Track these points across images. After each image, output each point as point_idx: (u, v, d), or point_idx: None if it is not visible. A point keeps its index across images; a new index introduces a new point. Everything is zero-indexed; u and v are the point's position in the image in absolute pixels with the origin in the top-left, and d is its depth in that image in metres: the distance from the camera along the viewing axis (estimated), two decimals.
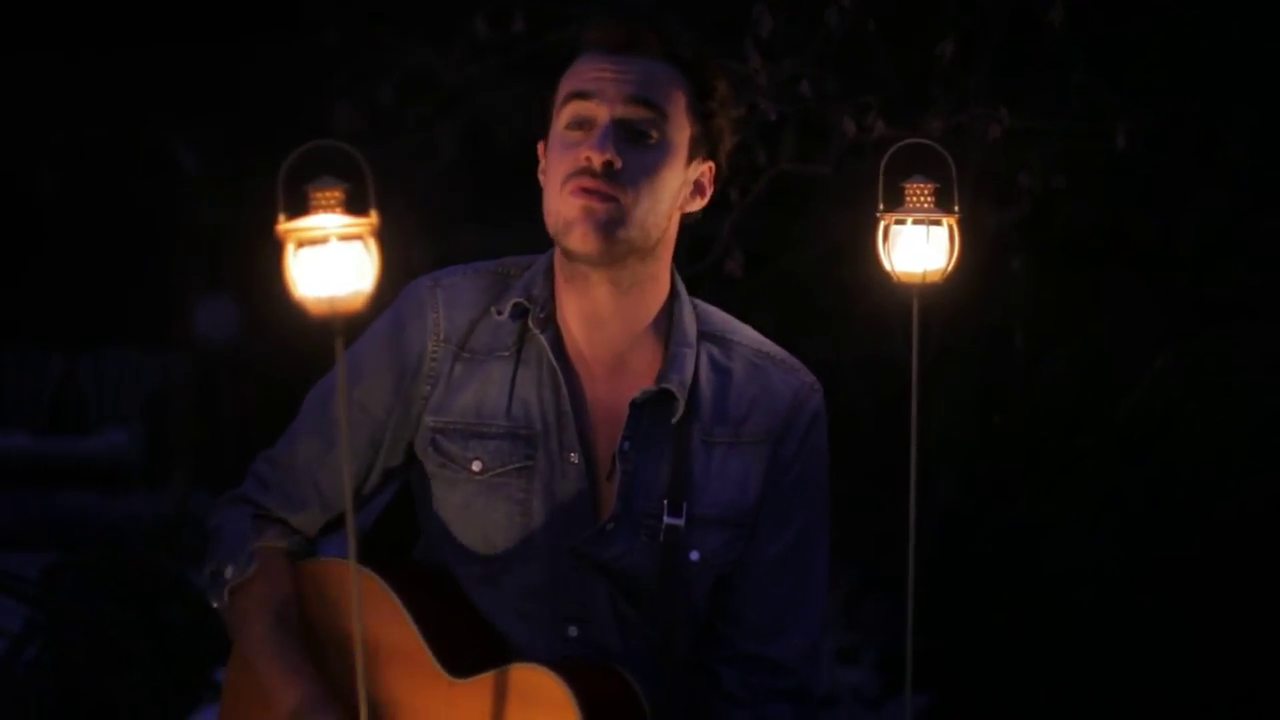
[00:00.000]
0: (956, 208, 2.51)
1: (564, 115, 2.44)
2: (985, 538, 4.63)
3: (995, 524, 4.62)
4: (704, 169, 2.50)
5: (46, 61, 8.51)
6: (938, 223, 2.51)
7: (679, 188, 2.47)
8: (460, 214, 5.58)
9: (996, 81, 4.08)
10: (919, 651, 4.82)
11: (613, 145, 2.38)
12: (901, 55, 4.18)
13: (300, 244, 2.04)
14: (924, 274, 2.51)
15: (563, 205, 2.42)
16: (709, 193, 2.52)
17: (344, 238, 2.04)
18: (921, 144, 2.55)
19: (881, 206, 2.51)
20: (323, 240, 2.04)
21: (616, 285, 2.48)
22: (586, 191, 2.39)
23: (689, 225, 2.55)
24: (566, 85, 2.45)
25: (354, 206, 2.05)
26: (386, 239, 2.05)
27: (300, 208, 2.04)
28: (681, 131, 2.44)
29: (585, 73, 2.43)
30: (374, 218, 2.04)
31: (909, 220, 2.51)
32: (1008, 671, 4.55)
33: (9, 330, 9.34)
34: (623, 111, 2.40)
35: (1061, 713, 4.39)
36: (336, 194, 2.03)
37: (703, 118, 2.46)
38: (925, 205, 2.50)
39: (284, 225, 2.02)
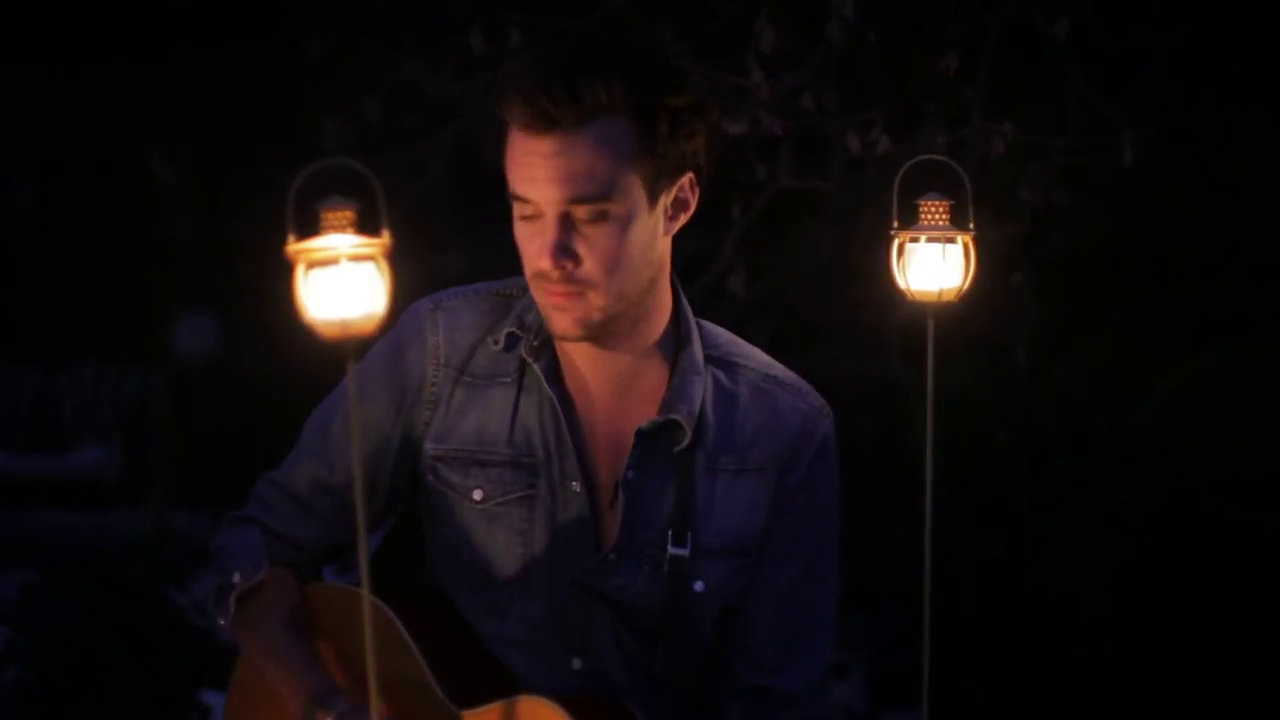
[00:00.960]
0: (972, 225, 2.47)
1: (513, 205, 2.34)
2: (986, 554, 4.62)
3: (997, 540, 4.61)
4: (679, 184, 2.38)
5: (21, 74, 8.47)
6: (953, 240, 2.47)
7: (651, 234, 2.36)
8: (448, 232, 5.55)
9: (998, 95, 4.06)
10: (912, 667, 4.78)
11: (564, 249, 2.30)
12: (903, 69, 4.16)
13: (311, 265, 1.99)
14: (939, 292, 2.47)
15: (537, 298, 2.36)
16: (694, 200, 2.40)
17: (355, 258, 2.00)
18: (934, 159, 2.51)
19: (896, 224, 2.46)
20: (334, 261, 1.99)
21: (614, 333, 2.41)
22: (553, 293, 2.32)
23: (688, 242, 2.49)
24: (508, 173, 2.34)
25: (364, 226, 2.01)
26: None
27: (309, 228, 2.00)
28: (634, 190, 2.32)
29: (516, 167, 2.32)
30: (386, 238, 2.00)
31: (923, 238, 2.47)
32: (1008, 688, 4.54)
33: None
34: (565, 209, 2.29)
35: None
36: (348, 214, 1.99)
37: (655, 156, 2.33)
38: (940, 223, 2.46)
39: (294, 246, 1.98)
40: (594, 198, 2.29)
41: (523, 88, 2.27)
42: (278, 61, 6.46)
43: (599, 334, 2.38)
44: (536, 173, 2.29)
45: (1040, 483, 4.57)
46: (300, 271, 1.99)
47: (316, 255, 1.99)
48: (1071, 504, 4.43)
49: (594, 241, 2.30)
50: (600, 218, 2.30)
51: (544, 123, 2.27)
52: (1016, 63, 4.17)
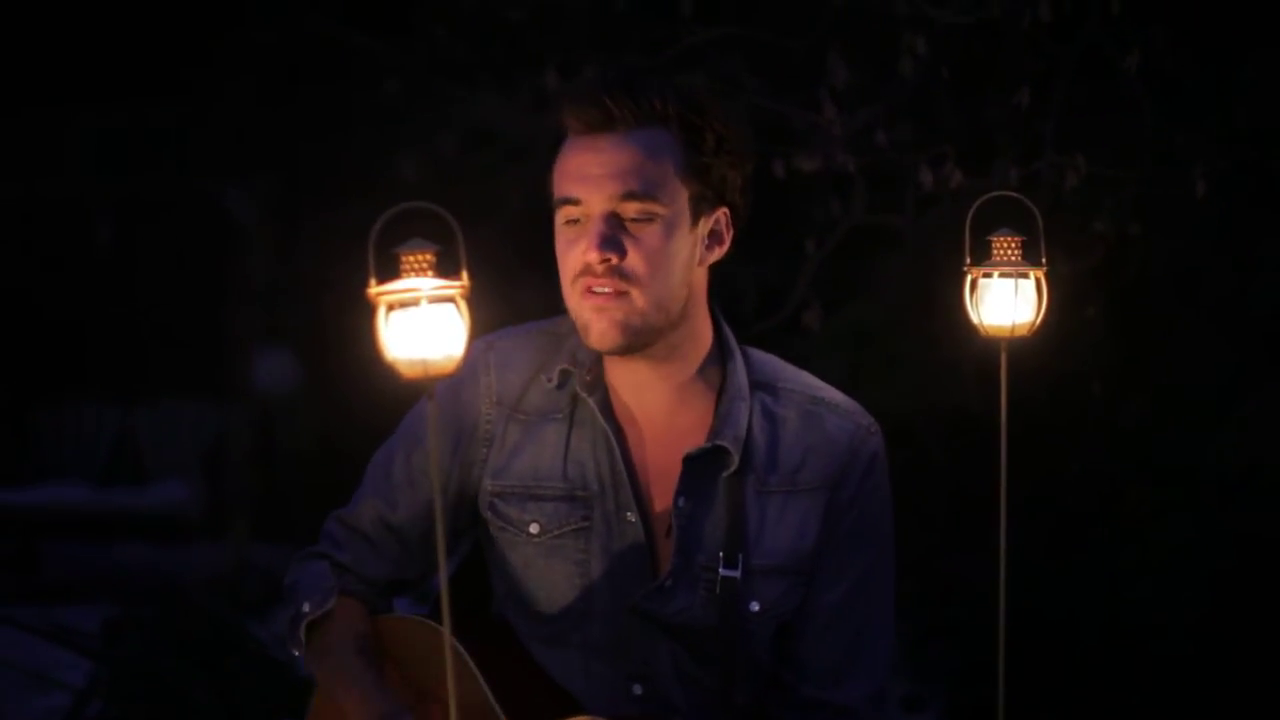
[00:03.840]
0: (1044, 260, 2.49)
1: (559, 213, 2.42)
2: (1063, 586, 4.60)
3: (1073, 572, 4.59)
4: (716, 217, 2.47)
5: (103, 113, 8.57)
6: (1025, 275, 2.49)
7: (690, 252, 2.44)
8: (525, 268, 5.58)
9: (1070, 127, 4.06)
10: (988, 700, 4.77)
11: (610, 242, 2.37)
12: (975, 103, 4.17)
13: (392, 308, 2.03)
14: (1013, 327, 2.49)
15: (576, 306, 2.42)
16: (729, 238, 2.50)
17: (436, 300, 2.03)
18: (1008, 195, 2.53)
19: (969, 260, 2.49)
20: (414, 304, 2.02)
21: (653, 358, 2.48)
22: (594, 292, 2.38)
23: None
24: (557, 182, 2.43)
25: (443, 267, 2.04)
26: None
27: (389, 269, 2.03)
28: (679, 197, 2.41)
29: (569, 169, 2.41)
30: (465, 280, 2.03)
31: (995, 273, 2.49)
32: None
33: (67, 382, 9.38)
34: (614, 205, 2.37)
35: None
36: (428, 257, 2.03)
37: (699, 173, 2.43)
38: (1013, 258, 2.48)
39: (375, 289, 2.01)
40: (642, 195, 2.37)
41: (587, 92, 2.39)
42: (356, 100, 6.51)
43: (636, 345, 2.43)
44: (590, 170, 2.37)
45: (1115, 515, 4.55)
46: (381, 314, 2.03)
47: (397, 298, 2.02)
48: (1147, 536, 4.42)
49: (639, 239, 2.38)
50: (646, 218, 2.37)
51: (603, 121, 2.37)
52: (1089, 95, 4.17)
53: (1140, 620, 4.33)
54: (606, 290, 2.38)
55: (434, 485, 2.14)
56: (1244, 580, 4.26)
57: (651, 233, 2.38)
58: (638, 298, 2.39)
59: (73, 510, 9.11)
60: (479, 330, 2.06)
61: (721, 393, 2.51)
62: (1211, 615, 4.24)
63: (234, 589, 6.70)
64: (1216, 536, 4.28)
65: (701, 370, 2.51)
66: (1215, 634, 4.26)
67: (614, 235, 2.37)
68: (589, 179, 2.37)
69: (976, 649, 4.84)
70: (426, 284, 2.02)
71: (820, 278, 4.03)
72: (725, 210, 2.47)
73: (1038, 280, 2.51)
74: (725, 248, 2.50)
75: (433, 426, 2.09)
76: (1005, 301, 2.49)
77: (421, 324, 2.03)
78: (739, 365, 2.53)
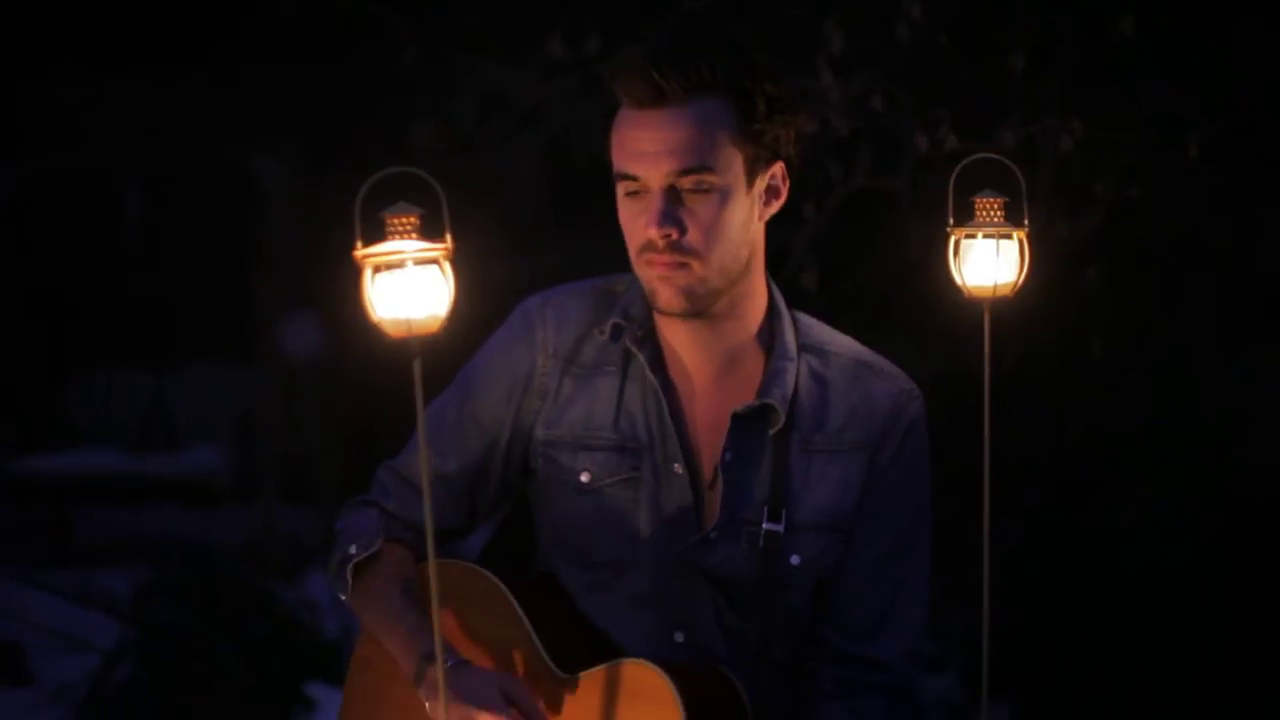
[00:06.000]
0: (1026, 221, 2.52)
1: (619, 186, 2.48)
2: (1065, 547, 4.62)
3: (1074, 533, 4.61)
4: (772, 173, 2.52)
5: (130, 83, 8.60)
6: (1008, 236, 2.52)
7: (748, 214, 2.49)
8: (540, 231, 5.62)
9: (1069, 91, 4.08)
10: (1003, 658, 4.80)
11: (669, 218, 2.42)
12: (973, 68, 4.18)
13: (377, 269, 2.08)
14: (994, 288, 2.53)
15: (642, 272, 2.49)
16: (785, 190, 2.55)
17: (420, 262, 2.08)
18: (992, 158, 2.56)
19: (951, 221, 2.53)
20: (399, 265, 2.08)
21: (714, 318, 2.53)
22: (658, 264, 2.44)
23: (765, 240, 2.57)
24: (615, 155, 2.48)
25: (430, 230, 2.09)
26: (466, 256, 2.08)
27: (377, 233, 2.08)
28: (734, 165, 2.45)
29: (625, 145, 2.46)
30: (449, 242, 2.08)
31: (979, 234, 2.53)
32: (1086, 678, 4.55)
33: (98, 348, 9.43)
34: (671, 180, 2.43)
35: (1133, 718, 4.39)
36: (412, 220, 2.08)
37: (754, 138, 2.47)
38: (995, 219, 2.52)
39: (361, 251, 2.07)
40: (697, 169, 2.41)
41: (636, 65, 2.42)
42: (378, 70, 6.54)
43: (702, 308, 2.48)
44: (645, 147, 2.42)
45: (1115, 474, 4.57)
46: (367, 275, 2.08)
47: (383, 260, 2.08)
48: (1144, 494, 4.43)
49: (697, 212, 2.42)
50: (703, 189, 2.42)
51: (653, 97, 2.41)
52: (1085, 60, 4.17)
53: (1141, 576, 4.35)
54: (669, 261, 2.44)
55: (420, 441, 2.18)
56: (1239, 538, 4.29)
57: (709, 203, 2.43)
58: (698, 267, 2.44)
59: (105, 476, 9.15)
60: (463, 294, 2.11)
61: (770, 353, 2.56)
62: (1207, 572, 4.27)
63: (262, 553, 6.75)
64: (1212, 495, 4.30)
65: (757, 332, 2.57)
66: (1212, 591, 4.28)
67: (672, 211, 2.42)
68: (645, 156, 2.42)
69: (997, 611, 4.87)
70: (411, 246, 2.08)
71: (825, 241, 4.06)
72: (781, 164, 2.52)
73: (1020, 241, 2.54)
74: (782, 200, 2.55)
75: (418, 386, 2.13)
76: (987, 262, 2.53)
77: (406, 285, 2.08)
78: (787, 326, 2.58)
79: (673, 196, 2.43)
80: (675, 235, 2.43)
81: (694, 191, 2.43)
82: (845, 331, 2.67)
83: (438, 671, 2.24)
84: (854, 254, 4.60)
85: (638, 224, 2.46)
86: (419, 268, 2.08)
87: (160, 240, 9.36)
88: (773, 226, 2.59)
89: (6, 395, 9.36)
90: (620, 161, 2.46)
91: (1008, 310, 2.54)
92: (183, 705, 5.09)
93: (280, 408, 9.05)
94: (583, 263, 2.71)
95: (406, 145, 5.42)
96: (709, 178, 2.43)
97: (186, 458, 9.29)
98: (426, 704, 2.46)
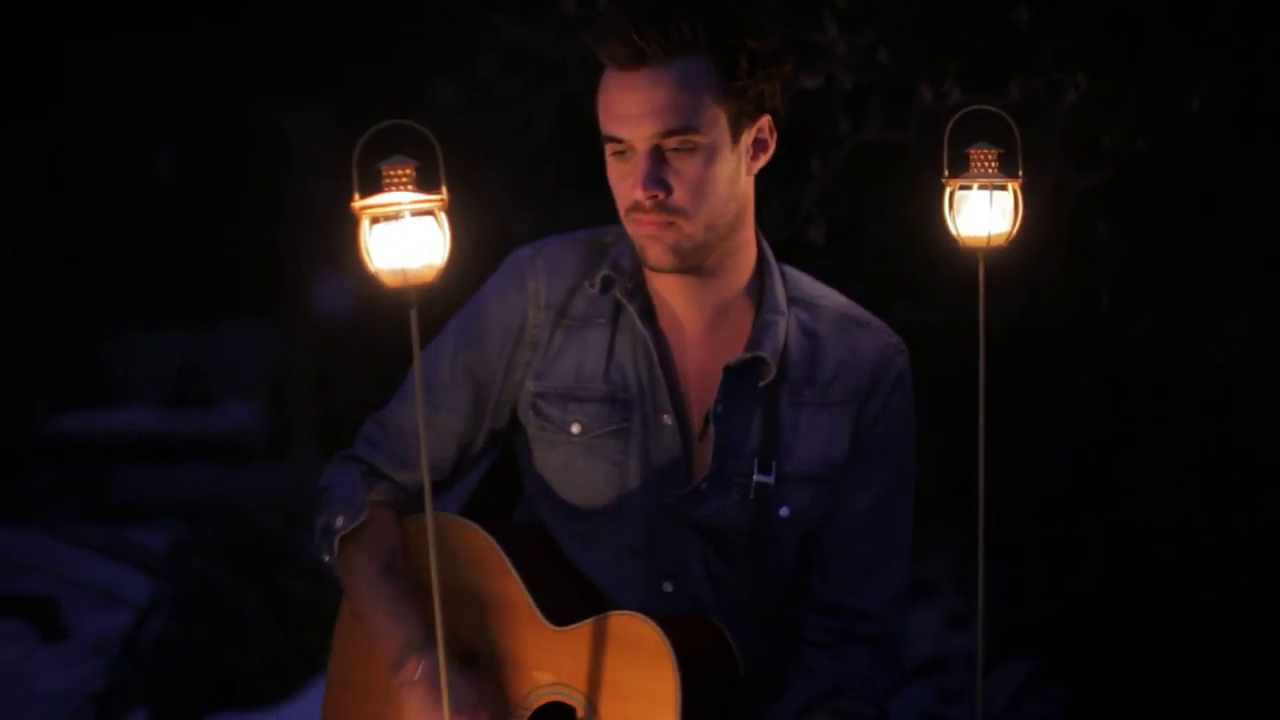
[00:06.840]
0: (1020, 172, 2.56)
1: (606, 147, 2.51)
2: (1070, 497, 4.63)
3: (1086, 485, 4.62)
4: (759, 126, 2.54)
5: (161, 43, 8.63)
6: (1002, 187, 2.56)
7: (735, 170, 2.52)
8: (558, 186, 5.64)
9: (1078, 44, 4.07)
10: (1028, 617, 4.80)
11: (655, 179, 2.45)
12: (981, 20, 4.18)
13: (374, 220, 2.13)
14: (988, 238, 2.56)
15: (631, 229, 2.52)
16: (773, 142, 2.57)
17: (417, 213, 2.13)
18: (991, 110, 2.59)
19: (946, 172, 2.56)
20: (396, 216, 2.13)
21: (702, 273, 2.57)
22: (646, 223, 2.48)
23: (773, 195, 2.60)
24: (600, 117, 2.50)
25: (426, 183, 2.13)
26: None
27: (376, 185, 2.13)
28: (718, 123, 2.48)
29: (609, 107, 2.48)
30: (444, 194, 2.12)
31: (974, 185, 2.56)
32: (1099, 631, 4.56)
33: (132, 307, 9.48)
34: (655, 141, 2.45)
35: (1146, 671, 4.40)
36: (408, 171, 2.13)
37: (737, 95, 2.49)
38: (989, 170, 2.55)
39: (358, 203, 2.11)
40: (681, 129, 2.44)
41: (615, 26, 2.44)
42: (400, 27, 6.56)
43: (691, 264, 2.52)
44: (628, 109, 2.44)
45: (1121, 426, 4.58)
46: (365, 226, 2.13)
47: (379, 211, 2.13)
48: (1149, 446, 4.44)
49: (682, 172, 2.45)
50: (688, 149, 2.45)
51: (634, 58, 2.43)
52: (1093, 12, 4.16)
53: (1146, 527, 4.36)
54: (657, 220, 2.47)
55: (418, 391, 2.23)
56: (1244, 489, 4.29)
57: (694, 162, 2.46)
58: (686, 225, 2.48)
59: (142, 434, 9.24)
60: (457, 243, 2.15)
61: (760, 306, 2.60)
62: (1213, 523, 4.28)
63: (294, 510, 6.79)
64: (1217, 446, 4.30)
65: (747, 283, 2.60)
66: (1217, 541, 4.29)
67: (657, 173, 2.45)
68: (628, 119, 2.45)
69: (1020, 566, 4.89)
70: (407, 198, 2.12)
71: (829, 196, 4.08)
72: (768, 117, 2.55)
73: (1014, 192, 2.57)
74: (770, 153, 2.58)
75: (415, 334, 2.17)
76: (981, 212, 2.56)
77: (402, 236, 2.13)
78: (777, 280, 2.62)
79: (658, 157, 2.45)
80: (661, 196, 2.46)
81: (679, 151, 2.45)
82: (855, 286, 2.70)
83: (439, 668, 2.30)
84: (861, 210, 4.61)
85: (625, 185, 2.49)
86: (415, 218, 2.13)
87: (192, 199, 9.39)
88: (780, 183, 2.62)
89: (44, 355, 9.42)
90: (606, 124, 2.49)
91: (1007, 262, 2.57)
92: (215, 659, 5.15)
93: (313, 365, 9.09)
94: (598, 217, 2.75)
95: (428, 102, 5.44)
96: (693, 137, 2.45)
97: (220, 416, 9.33)
98: (400, 692, 2.50)
